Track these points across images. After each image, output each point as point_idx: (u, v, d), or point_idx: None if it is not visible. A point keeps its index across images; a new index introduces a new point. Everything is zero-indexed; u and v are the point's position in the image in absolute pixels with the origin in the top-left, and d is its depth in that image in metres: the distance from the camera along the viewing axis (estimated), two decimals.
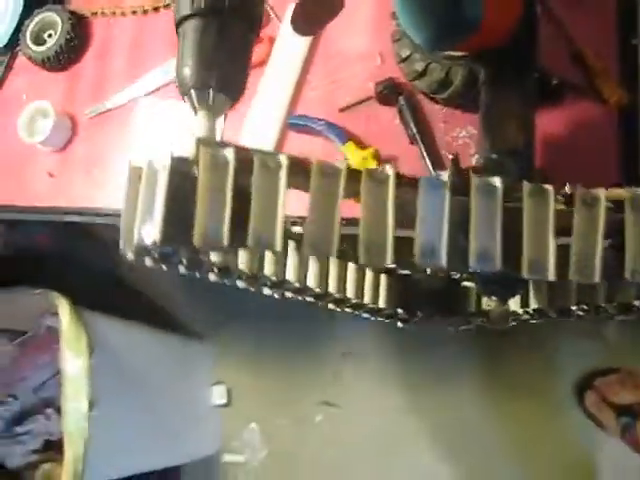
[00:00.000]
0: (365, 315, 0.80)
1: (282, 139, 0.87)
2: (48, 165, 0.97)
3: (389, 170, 0.48)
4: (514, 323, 0.77)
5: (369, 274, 0.77)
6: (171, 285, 1.78)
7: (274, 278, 0.63)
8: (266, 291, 0.67)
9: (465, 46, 0.72)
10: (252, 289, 0.65)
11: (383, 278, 0.79)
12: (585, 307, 0.68)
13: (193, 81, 0.53)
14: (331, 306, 0.75)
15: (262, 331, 1.72)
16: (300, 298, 0.70)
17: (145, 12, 0.98)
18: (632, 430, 1.43)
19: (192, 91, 0.54)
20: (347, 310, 0.77)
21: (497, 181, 0.49)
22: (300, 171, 0.49)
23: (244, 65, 0.55)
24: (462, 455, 1.58)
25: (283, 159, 0.48)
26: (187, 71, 0.53)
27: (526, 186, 0.49)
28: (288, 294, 0.68)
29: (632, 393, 1.48)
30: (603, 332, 1.54)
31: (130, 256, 0.50)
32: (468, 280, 0.79)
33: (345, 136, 0.83)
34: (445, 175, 0.49)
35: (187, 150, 0.50)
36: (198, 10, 0.54)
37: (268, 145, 0.86)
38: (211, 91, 0.53)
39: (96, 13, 1.00)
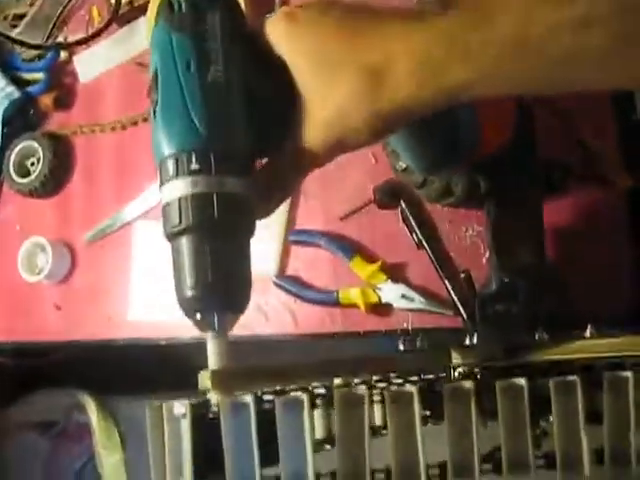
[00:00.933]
0: None
1: (285, 256, 0.85)
2: (53, 297, 0.96)
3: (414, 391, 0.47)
4: None
5: None
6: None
7: None
8: None
9: (462, 166, 0.70)
10: None
11: None
12: None
13: (196, 305, 0.51)
14: None
15: None
16: None
17: (124, 127, 0.95)
18: None
19: (197, 315, 0.52)
20: None
21: (522, 381, 0.48)
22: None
23: (246, 275, 0.53)
24: None
25: (304, 397, 0.47)
26: (187, 295, 0.51)
27: (552, 383, 0.48)
28: None
29: None
30: None
31: None
32: None
33: (349, 250, 0.81)
34: (469, 384, 0.47)
35: (201, 381, 0.49)
36: (187, 226, 0.51)
37: (273, 265, 0.84)
38: (215, 315, 0.52)
39: (75, 132, 0.98)
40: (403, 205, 0.81)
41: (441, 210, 0.81)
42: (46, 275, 0.93)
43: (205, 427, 0.47)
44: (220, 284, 0.51)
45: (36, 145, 0.96)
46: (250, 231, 0.54)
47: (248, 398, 0.47)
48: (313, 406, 0.47)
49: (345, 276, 0.81)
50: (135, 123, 0.95)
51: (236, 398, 0.47)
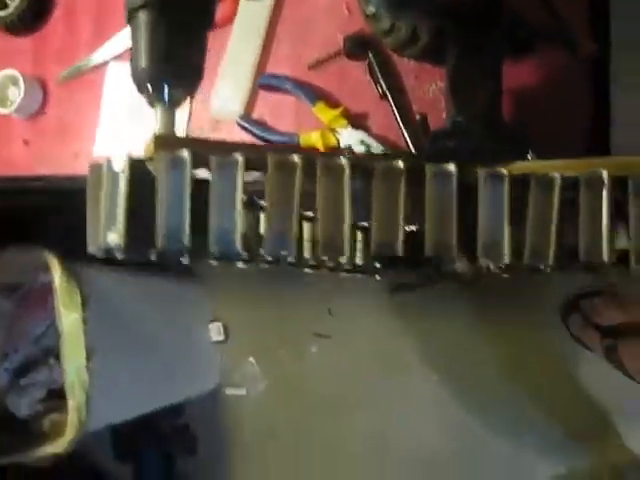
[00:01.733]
0: (342, 275, 0.81)
1: (253, 99, 0.86)
2: (23, 132, 0.97)
3: (344, 160, 0.49)
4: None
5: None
6: None
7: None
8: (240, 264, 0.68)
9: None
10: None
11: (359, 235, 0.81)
12: None
13: (149, 76, 0.53)
14: (306, 270, 0.76)
15: (256, 269, 1.75)
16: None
17: None
18: (616, 351, 1.47)
19: (148, 86, 0.53)
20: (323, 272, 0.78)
21: (452, 166, 0.50)
22: (256, 166, 0.49)
23: (200, 56, 0.55)
24: (457, 373, 1.63)
25: (239, 157, 0.48)
26: (142, 66, 0.53)
27: (481, 171, 0.50)
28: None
29: (615, 314, 1.51)
30: None
31: (99, 255, 0.51)
32: None
33: (314, 95, 0.83)
34: (400, 163, 0.49)
35: (146, 148, 0.51)
36: (149, 1, 0.53)
37: (239, 106, 0.86)
38: (166, 85, 0.53)
39: None
40: (371, 56, 0.82)
41: (407, 64, 0.82)
42: (16, 109, 0.94)
43: (143, 187, 0.49)
44: (174, 57, 0.53)
45: None
46: (208, 22, 0.56)
47: (185, 153, 0.48)
48: (248, 169, 0.49)
49: (308, 121, 0.83)
50: None
51: (174, 153, 0.48)
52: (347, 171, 0.49)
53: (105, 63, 0.94)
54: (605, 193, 0.49)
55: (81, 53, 0.95)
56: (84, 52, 0.95)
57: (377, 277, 0.87)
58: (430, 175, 0.49)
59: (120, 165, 0.48)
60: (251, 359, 1.75)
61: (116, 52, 0.94)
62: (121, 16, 0.91)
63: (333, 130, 0.81)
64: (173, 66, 0.53)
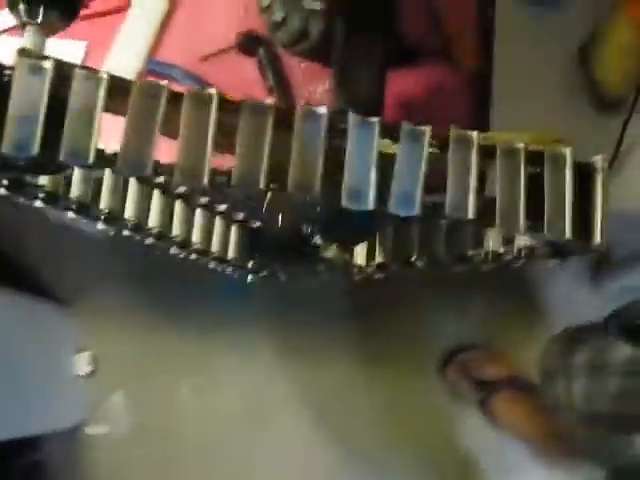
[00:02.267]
0: (212, 264, 0.79)
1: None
2: None
3: (213, 92, 0.47)
4: (359, 276, 0.78)
5: (218, 222, 0.77)
6: (35, 245, 1.70)
7: (107, 211, 0.61)
8: (100, 226, 0.64)
9: None
10: (84, 220, 0.63)
11: (234, 229, 0.79)
12: (425, 259, 0.70)
13: None
14: (174, 250, 0.73)
15: (129, 297, 1.68)
16: (139, 237, 0.68)
17: None
18: (489, 404, 1.50)
19: (21, 5, 0.51)
20: (193, 256, 0.76)
21: (323, 109, 0.49)
22: (121, 92, 0.47)
23: None
24: (329, 418, 1.60)
25: (104, 76, 0.46)
26: None
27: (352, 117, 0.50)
28: (125, 232, 0.67)
29: (491, 368, 1.55)
30: (468, 309, 1.61)
31: None
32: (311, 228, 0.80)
33: (202, 86, 0.82)
34: (269, 101, 0.49)
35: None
36: None
37: None
38: (42, 7, 0.51)
39: None
40: (261, 52, 0.83)
41: (297, 64, 0.83)
42: None
43: None
44: None
45: None
46: None
47: (47, 64, 0.46)
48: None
49: None
50: None
51: (36, 60, 0.46)
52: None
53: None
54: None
55: None
56: None
57: (249, 277, 0.86)
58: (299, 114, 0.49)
59: None
60: (118, 395, 1.65)
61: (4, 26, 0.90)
62: None
63: None
64: None
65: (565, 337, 1.32)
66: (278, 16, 0.77)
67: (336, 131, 0.49)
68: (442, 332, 1.60)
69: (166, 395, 1.64)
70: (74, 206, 0.60)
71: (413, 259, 0.70)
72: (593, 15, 0.81)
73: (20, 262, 1.69)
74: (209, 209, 0.75)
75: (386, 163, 0.49)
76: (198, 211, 0.74)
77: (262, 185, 0.46)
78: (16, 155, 0.44)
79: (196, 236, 0.73)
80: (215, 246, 0.76)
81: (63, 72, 0.46)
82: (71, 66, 0.47)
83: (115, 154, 0.45)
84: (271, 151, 0.47)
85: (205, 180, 0.45)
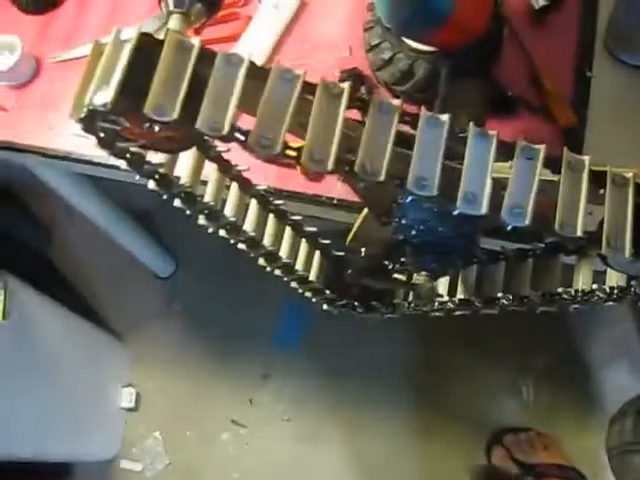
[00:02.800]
0: (293, 285, 0.80)
1: None
2: (3, 100, 0.96)
3: (345, 86, 0.50)
4: (439, 313, 0.78)
5: (304, 244, 0.78)
6: (98, 278, 1.75)
7: (212, 204, 0.63)
8: (201, 220, 0.66)
9: (432, 38, 0.76)
10: (188, 211, 0.65)
11: (317, 253, 0.80)
12: (510, 297, 0.70)
13: None
14: (261, 261, 0.75)
15: (182, 339, 1.70)
16: (233, 240, 0.70)
17: None
18: None
19: None
20: (277, 272, 0.77)
21: (445, 116, 0.51)
22: (258, 73, 0.50)
23: None
24: None
25: (245, 58, 0.49)
26: None
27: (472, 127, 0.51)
28: (222, 232, 0.68)
29: (539, 453, 1.50)
30: (522, 392, 1.58)
31: (77, 123, 0.49)
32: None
33: None
34: (397, 101, 0.50)
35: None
36: None
37: None
38: None
39: None
40: (363, 90, 0.86)
41: None
42: (6, 71, 0.94)
43: (146, 59, 0.48)
44: None
45: None
46: None
47: (195, 42, 0.49)
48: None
49: None
50: None
51: (184, 38, 0.49)
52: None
53: None
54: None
55: (83, 42, 0.97)
56: (87, 40, 0.97)
57: (324, 306, 0.86)
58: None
59: (128, 35, 0.48)
60: (157, 434, 1.64)
61: None
62: (131, 16, 0.97)
63: None
64: None
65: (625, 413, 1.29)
66: (386, 55, 0.80)
67: (455, 138, 0.51)
68: (495, 411, 1.57)
69: (205, 441, 1.62)
70: (182, 194, 0.62)
71: (498, 296, 0.70)
72: None
73: (84, 289, 1.73)
74: (298, 229, 0.76)
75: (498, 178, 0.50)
76: (287, 229, 0.76)
77: (383, 177, 0.48)
78: (157, 117, 0.46)
79: (284, 251, 0.74)
80: (300, 265, 0.77)
81: (206, 53, 0.49)
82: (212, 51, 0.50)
83: (248, 131, 0.47)
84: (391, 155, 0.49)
85: (332, 164, 0.47)
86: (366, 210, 0.76)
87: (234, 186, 0.69)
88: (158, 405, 1.66)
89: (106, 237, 1.50)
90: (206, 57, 0.49)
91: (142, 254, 1.65)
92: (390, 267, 0.83)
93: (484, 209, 0.49)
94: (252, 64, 0.49)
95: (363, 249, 0.81)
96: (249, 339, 1.69)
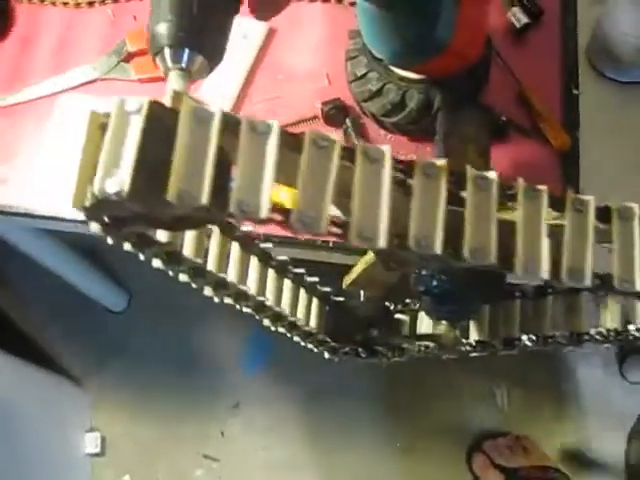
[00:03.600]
0: (296, 339, 0.75)
1: None
2: None
3: (385, 149, 0.45)
4: (454, 356, 0.74)
5: (303, 295, 0.73)
6: (50, 321, 1.64)
7: (216, 274, 0.57)
8: (207, 292, 0.60)
9: (428, 67, 0.71)
10: (194, 285, 0.58)
11: (316, 302, 0.75)
12: (533, 337, 0.66)
13: (170, 39, 0.48)
14: (267, 322, 0.69)
15: (143, 376, 1.62)
16: (238, 307, 0.64)
17: (78, 5, 0.91)
18: None
19: (166, 49, 0.48)
20: (281, 330, 0.71)
21: (493, 174, 0.47)
22: (290, 142, 0.44)
23: (226, 30, 0.51)
24: None
25: (274, 124, 0.43)
26: (163, 27, 0.48)
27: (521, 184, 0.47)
28: (228, 300, 0.62)
29: (519, 456, 1.49)
30: (496, 397, 1.57)
31: (81, 215, 0.43)
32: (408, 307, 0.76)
33: None
34: (442, 162, 0.46)
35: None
36: None
37: None
38: (187, 51, 0.48)
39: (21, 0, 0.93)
40: (348, 122, 0.82)
41: (384, 136, 0.82)
42: None
43: (159, 133, 0.42)
44: (201, 20, 0.49)
45: None
46: (235, 7, 0.53)
47: (216, 109, 0.43)
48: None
49: None
50: (91, 4, 0.91)
51: (202, 106, 0.43)
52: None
53: (55, 94, 0.88)
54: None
55: (31, 82, 0.89)
56: (34, 82, 0.89)
57: (326, 355, 0.81)
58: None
59: (135, 105, 0.42)
60: (126, 478, 1.55)
61: (70, 85, 0.88)
62: (81, 54, 0.89)
63: None
64: (198, 32, 0.48)
65: None
66: (374, 86, 0.75)
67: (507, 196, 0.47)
68: (473, 419, 1.56)
69: (177, 479, 1.54)
70: (190, 270, 0.56)
71: (520, 337, 0.67)
72: None
73: (36, 335, 1.62)
74: (299, 280, 0.71)
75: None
76: (287, 282, 0.70)
77: (439, 250, 0.43)
78: (182, 204, 0.40)
79: (287, 307, 0.69)
80: (302, 318, 0.72)
81: (229, 122, 0.43)
82: (235, 117, 0.44)
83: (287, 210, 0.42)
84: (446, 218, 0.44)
85: (383, 242, 0.42)
86: (370, 255, 0.72)
87: (236, 247, 0.63)
88: (125, 447, 1.57)
89: (53, 276, 1.40)
90: (229, 126, 0.43)
91: (92, 289, 1.56)
92: (392, 309, 0.79)
93: (545, 274, 0.45)
94: (282, 131, 0.43)
95: (362, 292, 0.77)
96: (214, 370, 1.62)
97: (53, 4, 0.92)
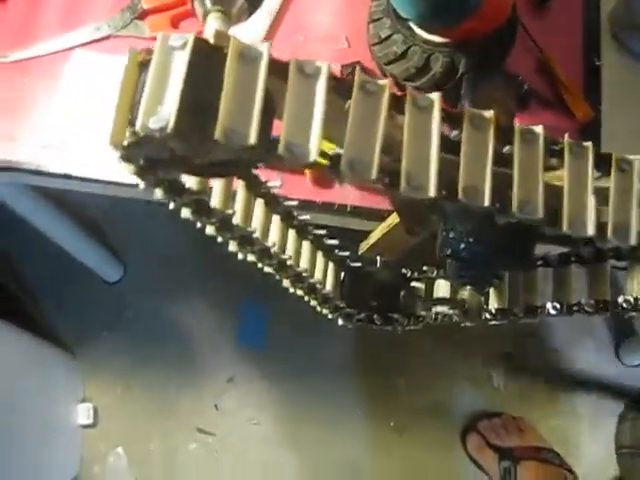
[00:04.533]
0: (313, 303, 0.73)
1: None
2: None
3: (435, 97, 0.43)
4: (472, 323, 0.74)
5: (320, 258, 0.72)
6: (44, 290, 1.62)
7: (243, 228, 0.56)
8: (232, 247, 0.59)
9: (457, 29, 0.70)
10: (220, 238, 0.57)
11: (332, 267, 0.74)
12: (557, 305, 0.66)
13: None
14: (287, 283, 0.68)
15: (138, 349, 1.60)
16: (260, 264, 0.63)
17: None
18: (512, 474, 1.44)
19: None
20: (299, 292, 0.70)
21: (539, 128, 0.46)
22: (339, 86, 0.43)
23: None
24: None
25: (324, 66, 0.42)
26: None
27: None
28: (251, 256, 0.61)
29: (514, 437, 1.50)
30: (492, 378, 1.57)
31: (118, 151, 0.41)
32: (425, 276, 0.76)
33: None
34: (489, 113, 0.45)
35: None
36: None
37: None
38: None
39: None
40: None
41: None
42: None
43: (204, 69, 0.40)
44: None
45: None
46: None
47: (264, 47, 0.41)
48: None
49: None
50: None
51: (250, 45, 0.41)
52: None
53: (67, 50, 0.85)
54: None
55: (41, 38, 0.86)
56: (44, 37, 0.86)
57: (340, 321, 0.80)
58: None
59: (180, 41, 0.40)
60: (119, 450, 1.53)
61: (82, 41, 0.85)
62: (93, 11, 0.87)
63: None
64: None
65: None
66: (399, 48, 0.74)
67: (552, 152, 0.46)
68: (468, 400, 1.56)
69: (171, 453, 1.53)
70: (218, 222, 0.55)
71: (545, 304, 0.66)
72: None
73: (30, 304, 1.60)
74: (318, 242, 0.70)
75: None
76: (305, 244, 0.69)
77: (487, 202, 0.42)
78: (231, 143, 0.38)
79: (306, 269, 0.68)
80: (319, 281, 0.71)
81: (276, 63, 0.42)
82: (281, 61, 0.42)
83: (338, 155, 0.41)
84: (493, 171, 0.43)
85: (433, 190, 0.41)
86: (391, 219, 0.71)
87: (260, 204, 0.61)
88: (118, 419, 1.55)
89: (47, 243, 1.37)
90: (275, 67, 0.41)
91: (88, 258, 1.53)
92: (409, 275, 0.78)
93: (591, 231, 0.44)
94: (330, 74, 0.42)
95: (379, 258, 0.76)
96: (209, 342, 1.61)
97: None
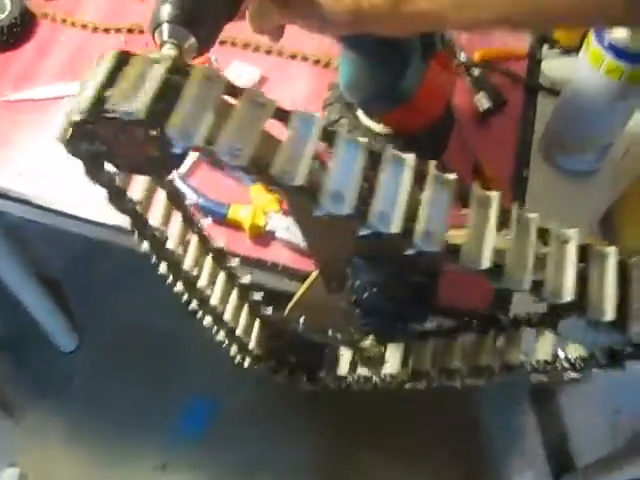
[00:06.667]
0: (233, 352, 0.78)
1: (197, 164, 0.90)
2: None
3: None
4: (390, 386, 0.76)
5: (245, 309, 0.77)
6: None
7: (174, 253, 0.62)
8: (162, 268, 0.65)
9: (391, 117, 0.79)
10: (154, 259, 0.63)
11: (257, 322, 0.79)
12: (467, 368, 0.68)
13: (169, 16, 0.55)
14: (208, 321, 0.73)
15: (77, 420, 1.59)
16: (185, 297, 0.69)
17: (95, 29, 1.01)
18: None
19: (164, 25, 0.55)
20: (220, 338, 0.75)
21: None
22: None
23: (219, 24, 0.59)
24: None
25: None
26: (166, 6, 0.56)
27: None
28: (179, 286, 0.67)
29: None
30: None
31: (76, 123, 0.48)
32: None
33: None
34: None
35: None
36: None
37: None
38: (182, 29, 0.55)
39: (46, 16, 1.02)
40: None
41: None
42: None
43: None
44: (200, 7, 0.56)
45: (7, 1, 0.99)
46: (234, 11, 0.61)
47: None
48: None
49: (241, 196, 0.87)
50: (107, 30, 1.01)
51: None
52: None
53: (62, 97, 0.95)
54: None
55: (38, 85, 0.97)
56: (41, 84, 0.97)
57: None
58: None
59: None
60: None
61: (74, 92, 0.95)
62: (90, 66, 0.97)
63: (264, 212, 0.84)
64: (198, 18, 0.56)
65: None
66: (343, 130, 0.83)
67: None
68: None
69: None
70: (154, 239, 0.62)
71: (456, 367, 0.68)
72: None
73: None
74: (244, 297, 0.75)
75: None
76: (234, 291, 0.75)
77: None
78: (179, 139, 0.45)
79: (230, 317, 0.73)
80: (240, 330, 0.76)
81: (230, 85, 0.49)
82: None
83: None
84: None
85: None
86: (313, 276, 0.76)
87: (209, 260, 0.68)
88: None
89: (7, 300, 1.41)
90: (231, 89, 0.49)
91: (47, 323, 1.56)
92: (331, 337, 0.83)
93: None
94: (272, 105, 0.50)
95: (302, 319, 0.80)
96: (148, 426, 1.60)
97: (72, 24, 1.02)
